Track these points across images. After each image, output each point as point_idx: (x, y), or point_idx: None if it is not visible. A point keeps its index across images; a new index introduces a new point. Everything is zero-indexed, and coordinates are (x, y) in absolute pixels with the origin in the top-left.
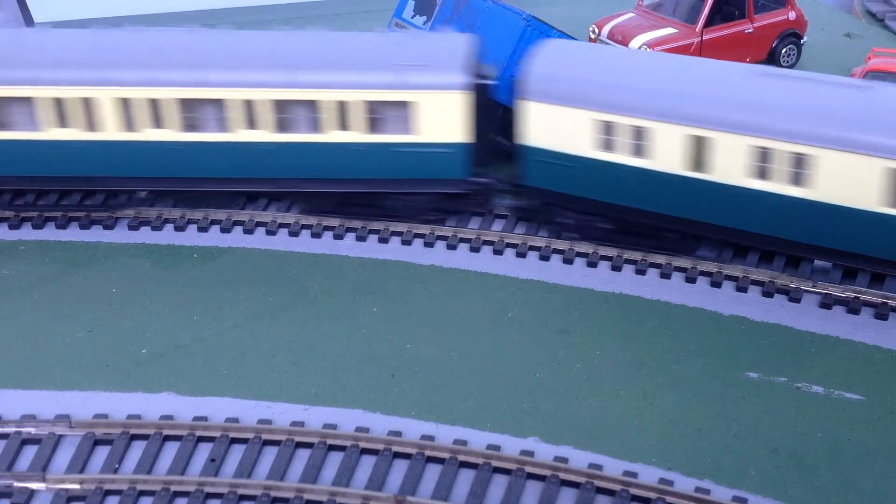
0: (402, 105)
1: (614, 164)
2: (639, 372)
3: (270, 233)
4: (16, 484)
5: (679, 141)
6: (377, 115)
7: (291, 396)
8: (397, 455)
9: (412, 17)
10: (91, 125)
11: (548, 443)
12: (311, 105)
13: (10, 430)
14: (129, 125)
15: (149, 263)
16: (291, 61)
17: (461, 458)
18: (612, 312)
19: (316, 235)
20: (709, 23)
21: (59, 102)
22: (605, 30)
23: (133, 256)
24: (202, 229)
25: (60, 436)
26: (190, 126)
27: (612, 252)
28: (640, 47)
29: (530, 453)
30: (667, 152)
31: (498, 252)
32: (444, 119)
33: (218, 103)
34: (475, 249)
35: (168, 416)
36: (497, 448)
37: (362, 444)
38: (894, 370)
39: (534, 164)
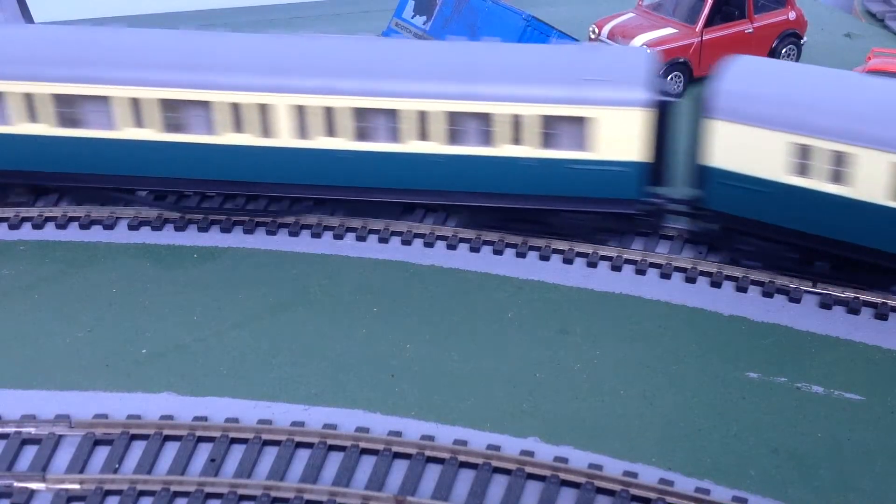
0: (579, 121)
1: (809, 191)
2: (639, 372)
3: (270, 233)
4: (16, 484)
5: (886, 169)
6: (552, 129)
7: (291, 396)
8: (397, 455)
9: (412, 17)
10: (265, 131)
11: (548, 443)
12: (485, 118)
13: (10, 430)
14: (303, 133)
15: (149, 263)
16: (466, 73)
17: (461, 458)
18: (612, 312)
19: (316, 235)
20: (709, 23)
21: (235, 107)
22: (605, 30)
23: (133, 256)
24: (202, 229)
25: (60, 436)
26: (362, 135)
27: (612, 252)
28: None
29: (530, 453)
30: (871, 180)
31: (498, 252)
32: (622, 137)
33: (391, 113)
34: (475, 249)
35: (168, 416)
36: (497, 448)
37: (362, 444)
38: (894, 370)
39: (718, 187)
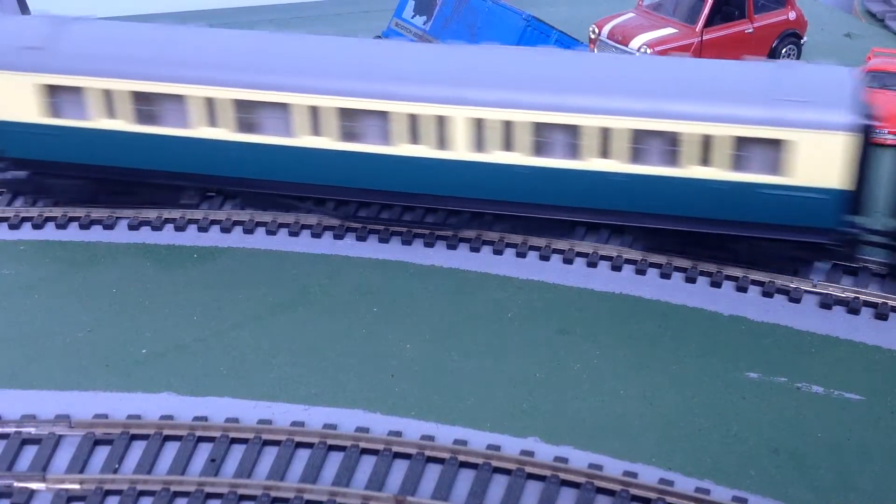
0: (775, 143)
1: None
2: (639, 372)
3: (270, 233)
4: (16, 484)
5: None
6: (743, 151)
7: (291, 396)
8: (397, 455)
9: (412, 17)
10: (442, 143)
11: (548, 443)
12: (671, 137)
13: (10, 430)
14: (481, 146)
15: (149, 263)
16: (653, 88)
17: (461, 458)
18: (612, 312)
19: (316, 235)
20: (709, 23)
21: (413, 119)
22: (605, 30)
23: (133, 256)
24: (202, 229)
25: (60, 436)
26: (540, 150)
27: (612, 252)
28: (639, 47)
29: (530, 453)
30: None
31: (498, 252)
32: (823, 162)
33: (572, 129)
34: (475, 249)
35: (168, 416)
36: (497, 448)
37: (362, 444)
38: (894, 370)
39: None
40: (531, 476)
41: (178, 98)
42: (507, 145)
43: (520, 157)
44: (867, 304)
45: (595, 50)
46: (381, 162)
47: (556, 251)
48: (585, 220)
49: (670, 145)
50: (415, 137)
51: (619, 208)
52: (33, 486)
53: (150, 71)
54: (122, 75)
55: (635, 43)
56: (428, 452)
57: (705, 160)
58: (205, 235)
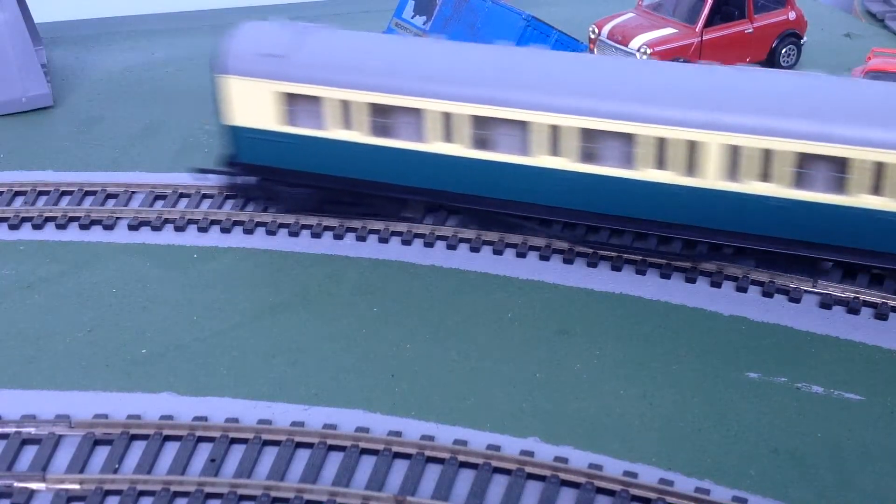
0: None
1: None
2: (639, 372)
3: (270, 233)
4: (16, 484)
5: None
6: None
7: (291, 396)
8: (397, 455)
9: (412, 18)
10: (691, 170)
11: (548, 443)
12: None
13: (10, 430)
14: (734, 174)
15: (149, 263)
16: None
17: (461, 458)
18: (612, 312)
19: (316, 235)
20: (709, 23)
21: (661, 143)
22: (605, 30)
23: (133, 256)
24: (202, 229)
25: (60, 436)
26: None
27: (612, 252)
28: (639, 47)
29: (530, 453)
30: None
31: (498, 252)
32: None
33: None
34: (475, 249)
35: (168, 416)
36: (497, 448)
37: (362, 444)
38: (894, 370)
39: None
40: (531, 476)
41: (415, 112)
42: (765, 175)
43: (777, 189)
44: (867, 304)
45: (595, 50)
46: (621, 186)
47: (556, 251)
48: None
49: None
50: (662, 162)
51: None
52: (33, 486)
53: (387, 83)
54: (360, 87)
55: (635, 43)
56: (428, 452)
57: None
58: (205, 235)
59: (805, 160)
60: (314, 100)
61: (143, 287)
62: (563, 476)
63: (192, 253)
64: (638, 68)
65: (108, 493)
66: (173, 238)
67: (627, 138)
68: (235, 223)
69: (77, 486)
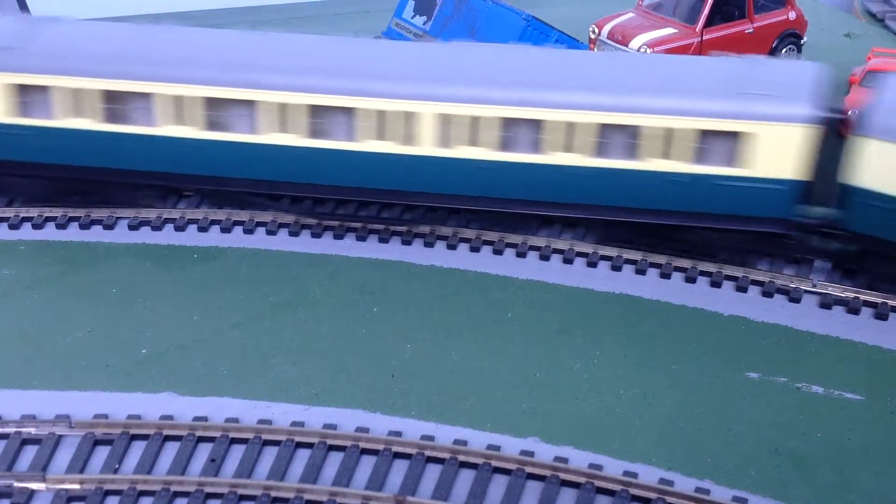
0: (734, 136)
1: None
2: (639, 372)
3: (270, 233)
4: (16, 484)
5: None
6: (704, 144)
7: (291, 396)
8: (397, 455)
9: (412, 17)
10: (408, 140)
11: (548, 443)
12: (634, 131)
13: (10, 430)
14: (446, 142)
15: (149, 263)
16: (617, 84)
17: (461, 458)
18: (612, 312)
19: (316, 235)
20: (709, 23)
21: (380, 115)
22: (605, 30)
23: (133, 256)
24: (202, 229)
25: (60, 436)
26: (507, 146)
27: (612, 252)
28: (639, 47)
29: (530, 453)
30: None
31: (498, 252)
32: (780, 153)
33: (535, 124)
34: (475, 249)
35: (168, 416)
36: (497, 448)
37: (362, 444)
38: (894, 370)
39: (864, 209)
40: (531, 476)
41: (146, 97)
42: (473, 141)
43: (486, 153)
44: (867, 304)
45: (595, 50)
46: (347, 159)
47: (556, 251)
48: (549, 213)
49: (633, 139)
50: (381, 134)
51: (586, 202)
52: (33, 486)
53: (119, 70)
54: (91, 74)
55: (635, 43)
56: (428, 452)
57: (667, 153)
58: (205, 235)
59: (507, 125)
60: (44, 90)
61: (143, 287)
62: (563, 476)
63: (192, 253)
64: (364, 48)
65: (108, 493)
66: (173, 238)
67: (350, 113)
68: (235, 223)
69: (77, 486)
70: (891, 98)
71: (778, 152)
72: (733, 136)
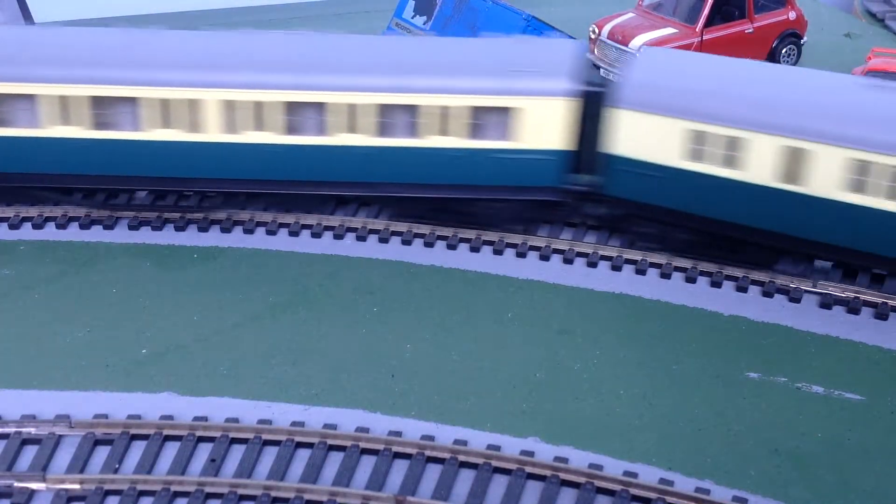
0: (505, 111)
1: (704, 175)
2: (639, 372)
3: (270, 233)
4: (16, 484)
5: (774, 152)
6: (478, 120)
7: (291, 396)
8: (397, 455)
9: (412, 17)
10: (194, 126)
11: (548, 443)
12: (412, 110)
13: (10, 430)
14: (232, 127)
15: (149, 263)
16: (395, 66)
17: (461, 458)
18: (612, 312)
19: (316, 235)
20: (709, 23)
21: (164, 104)
22: (606, 30)
23: (133, 256)
24: (202, 229)
25: (60, 436)
26: (291, 129)
27: (612, 252)
28: (639, 47)
29: (530, 453)
30: (760, 163)
31: (498, 252)
32: (545, 126)
33: (319, 107)
34: (475, 249)
35: (168, 416)
36: (497, 448)
37: (362, 444)
38: (894, 370)
39: (619, 174)
40: (531, 476)
41: (29, 98)
42: (259, 125)
43: (271, 137)
44: (867, 304)
45: (595, 51)
46: (133, 148)
47: (556, 251)
48: (338, 193)
49: (412, 118)
50: (166, 122)
51: (368, 180)
52: (33, 486)
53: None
54: None
55: (635, 43)
56: (428, 452)
57: (444, 130)
58: (205, 235)
59: (291, 109)
60: None
61: (143, 287)
62: (563, 476)
63: (192, 253)
64: (147, 38)
65: (109, 493)
66: (173, 238)
67: (133, 102)
68: (235, 223)
69: (77, 486)
70: (638, 73)
71: (543, 125)
72: (504, 111)
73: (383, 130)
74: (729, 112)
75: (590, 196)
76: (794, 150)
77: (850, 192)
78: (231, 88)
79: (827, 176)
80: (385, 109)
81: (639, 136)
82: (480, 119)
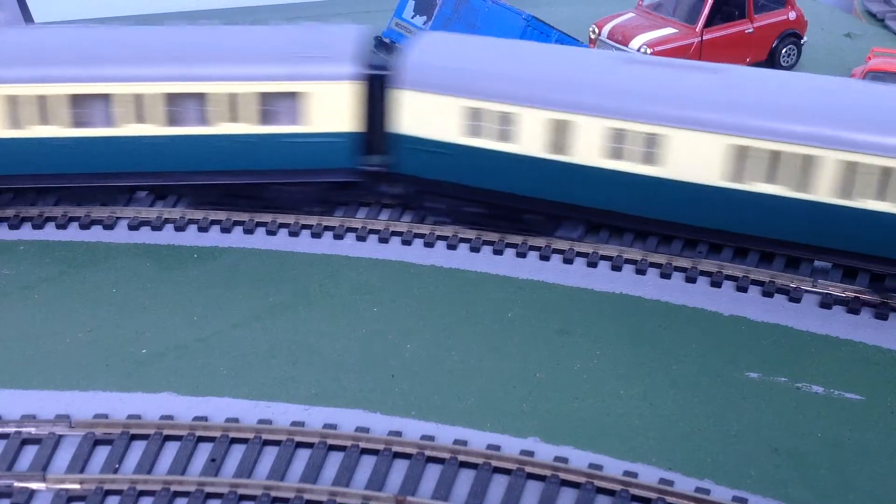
0: (293, 96)
1: (482, 150)
2: (639, 372)
3: (270, 233)
4: (16, 484)
5: (540, 125)
6: (268, 106)
7: (291, 396)
8: (397, 455)
9: (412, 17)
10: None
11: (548, 443)
12: (200, 98)
13: (10, 430)
14: (15, 122)
15: (149, 263)
16: (182, 54)
17: (461, 458)
18: (612, 312)
19: (316, 235)
20: (709, 23)
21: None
22: (606, 30)
23: (133, 256)
24: (202, 229)
25: (60, 436)
26: (79, 122)
27: (612, 252)
28: (639, 47)
29: (530, 453)
30: (529, 136)
31: (498, 252)
32: (334, 109)
33: (106, 98)
34: (475, 249)
35: (168, 416)
36: (497, 448)
37: (362, 444)
38: (894, 370)
39: (406, 152)
40: (531, 476)
41: None
42: (43, 120)
43: (57, 130)
44: (867, 304)
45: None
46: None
47: (556, 251)
48: (129, 184)
49: (201, 106)
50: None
51: (160, 170)
52: (33, 486)
53: None
54: None
55: (635, 43)
56: (428, 452)
57: (234, 117)
58: (205, 235)
59: (79, 102)
60: None
61: (143, 287)
62: (563, 476)
63: (192, 253)
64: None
65: (108, 493)
66: (173, 238)
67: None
68: (235, 223)
69: (77, 486)
70: (418, 55)
71: (331, 109)
72: (292, 96)
73: (174, 119)
74: (501, 89)
75: (383, 175)
76: (559, 122)
77: (610, 159)
78: (14, 83)
79: (589, 145)
80: (172, 98)
81: (421, 116)
82: (270, 105)
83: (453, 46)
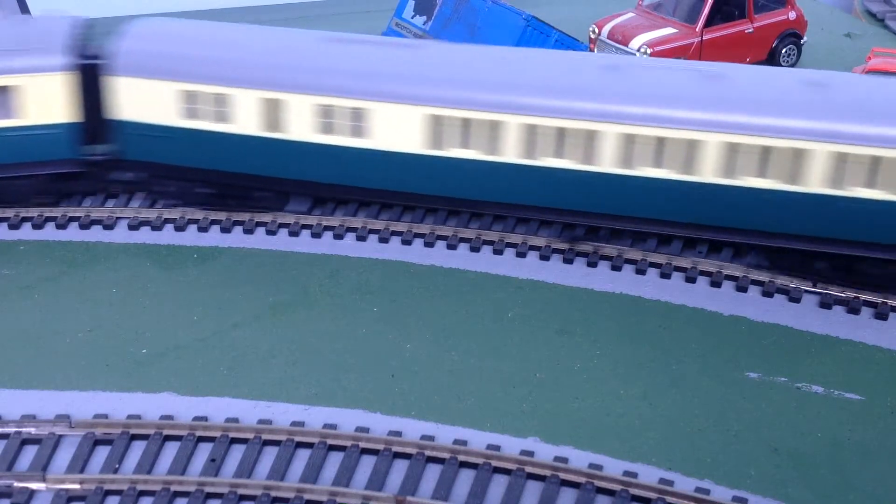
0: (5, 90)
1: (201, 132)
2: (639, 372)
3: (270, 233)
4: (16, 484)
5: (254, 104)
6: None
7: (291, 396)
8: (397, 455)
9: (412, 17)
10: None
11: (548, 443)
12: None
13: (10, 430)
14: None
15: (149, 263)
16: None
17: (461, 458)
18: (612, 312)
19: (316, 235)
20: (709, 23)
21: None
22: (606, 30)
23: (133, 256)
24: (202, 229)
25: (60, 436)
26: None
27: (612, 252)
28: (639, 47)
29: (530, 453)
30: (245, 116)
31: (498, 252)
32: (48, 101)
33: None
34: (475, 249)
35: (168, 416)
36: (497, 448)
37: (362, 444)
38: (894, 370)
39: (130, 139)
40: (531, 476)
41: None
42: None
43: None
44: (867, 304)
45: (595, 50)
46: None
47: (556, 251)
48: None
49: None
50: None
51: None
52: (33, 486)
53: None
54: None
55: (635, 43)
56: (428, 452)
57: None
58: (205, 235)
59: None
60: None
61: (143, 287)
62: (563, 476)
63: (192, 253)
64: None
65: (108, 493)
66: (173, 238)
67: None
68: (235, 223)
69: (77, 486)
70: (132, 42)
71: (45, 100)
72: (4, 90)
73: None
74: (215, 72)
75: (113, 163)
76: (271, 101)
77: (321, 134)
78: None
79: (301, 122)
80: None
81: (140, 101)
82: None
83: (171, 32)
